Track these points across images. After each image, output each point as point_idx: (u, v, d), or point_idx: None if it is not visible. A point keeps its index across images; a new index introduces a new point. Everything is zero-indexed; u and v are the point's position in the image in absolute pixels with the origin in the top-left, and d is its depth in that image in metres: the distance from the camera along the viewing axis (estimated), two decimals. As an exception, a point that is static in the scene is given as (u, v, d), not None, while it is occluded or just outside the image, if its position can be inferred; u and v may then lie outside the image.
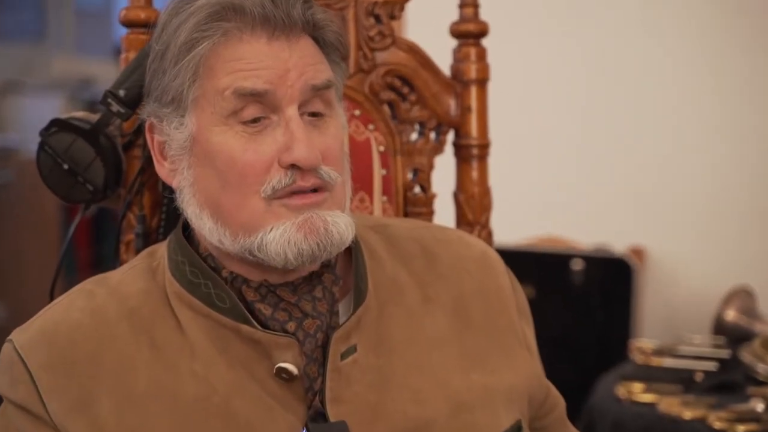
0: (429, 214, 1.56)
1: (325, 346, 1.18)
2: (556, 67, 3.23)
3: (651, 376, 2.45)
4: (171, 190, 1.25)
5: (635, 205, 3.19)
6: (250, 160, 1.14)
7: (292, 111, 1.15)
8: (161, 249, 1.26)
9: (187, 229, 1.24)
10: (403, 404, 1.19)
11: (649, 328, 3.09)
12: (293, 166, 1.14)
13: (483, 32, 1.56)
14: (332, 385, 1.17)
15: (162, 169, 1.23)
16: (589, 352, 3.01)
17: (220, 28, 1.15)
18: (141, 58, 1.34)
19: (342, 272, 1.23)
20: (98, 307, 1.19)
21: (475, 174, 1.56)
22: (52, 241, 4.67)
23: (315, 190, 1.16)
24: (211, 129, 1.16)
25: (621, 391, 2.38)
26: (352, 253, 1.25)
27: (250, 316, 1.17)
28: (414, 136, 1.56)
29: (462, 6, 1.56)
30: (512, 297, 1.33)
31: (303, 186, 1.15)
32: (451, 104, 1.55)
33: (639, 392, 2.37)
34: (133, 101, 1.34)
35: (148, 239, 1.41)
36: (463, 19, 1.56)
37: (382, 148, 1.53)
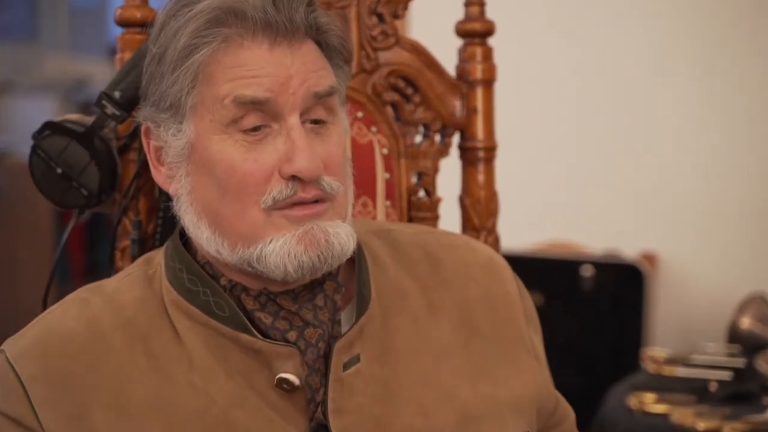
0: (434, 219, 1.56)
1: (327, 356, 1.17)
2: (564, 67, 3.23)
3: (663, 385, 2.45)
4: (168, 196, 1.25)
5: (647, 208, 3.19)
6: (250, 169, 1.14)
7: (293, 119, 1.15)
8: (158, 256, 1.26)
9: (184, 236, 1.24)
10: (409, 416, 1.19)
11: (662, 336, 3.09)
12: (294, 177, 1.14)
13: (489, 31, 1.56)
14: (335, 396, 1.17)
15: (158, 175, 1.23)
16: (600, 361, 3.01)
17: (220, 34, 1.14)
18: (137, 58, 1.34)
19: (344, 279, 1.23)
20: (93, 317, 1.19)
21: (481, 177, 1.56)
22: (45, 248, 4.68)
23: (316, 201, 1.16)
24: (210, 137, 1.16)
25: (632, 401, 2.38)
26: (354, 259, 1.25)
27: (250, 325, 1.17)
28: (418, 138, 1.56)
29: (467, 4, 1.56)
30: (520, 304, 1.33)
31: (304, 197, 1.15)
32: (457, 105, 1.56)
33: (651, 403, 2.37)
34: (129, 103, 1.34)
35: (144, 246, 1.41)
36: (468, 17, 1.56)
37: (385, 151, 1.53)
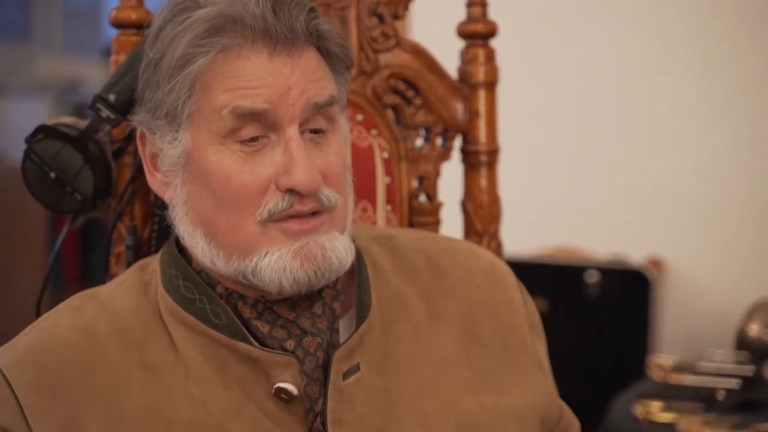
0: (435, 224, 1.56)
1: (326, 365, 1.17)
2: (568, 69, 3.23)
3: (670, 394, 2.45)
4: (163, 204, 1.25)
5: (653, 213, 3.19)
6: (247, 181, 1.14)
7: (292, 130, 1.15)
8: (153, 262, 1.26)
9: (180, 242, 1.24)
10: (410, 427, 1.19)
11: (668, 343, 3.09)
12: (291, 190, 1.14)
13: (492, 32, 1.56)
14: (334, 406, 1.17)
15: (154, 181, 1.23)
16: (605, 369, 3.01)
17: (218, 43, 1.14)
18: (132, 61, 1.34)
19: (343, 287, 1.23)
20: (87, 325, 1.19)
21: (483, 181, 1.56)
22: (38, 253, 4.67)
23: (313, 213, 1.16)
24: (206, 147, 1.16)
25: (639, 410, 2.38)
26: (354, 266, 1.24)
27: (247, 334, 1.17)
28: (419, 142, 1.56)
29: (469, 5, 1.56)
30: (523, 311, 1.33)
31: (301, 210, 1.15)
32: (459, 108, 1.56)
33: (658, 411, 2.37)
34: (124, 106, 1.34)
35: (139, 251, 1.41)
36: (470, 18, 1.56)
37: (385, 155, 1.53)
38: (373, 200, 1.51)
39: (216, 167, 1.15)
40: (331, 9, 1.52)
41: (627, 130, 3.21)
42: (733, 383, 2.47)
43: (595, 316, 3.02)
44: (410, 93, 1.55)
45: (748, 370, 2.54)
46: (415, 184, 1.56)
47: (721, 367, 2.57)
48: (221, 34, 1.14)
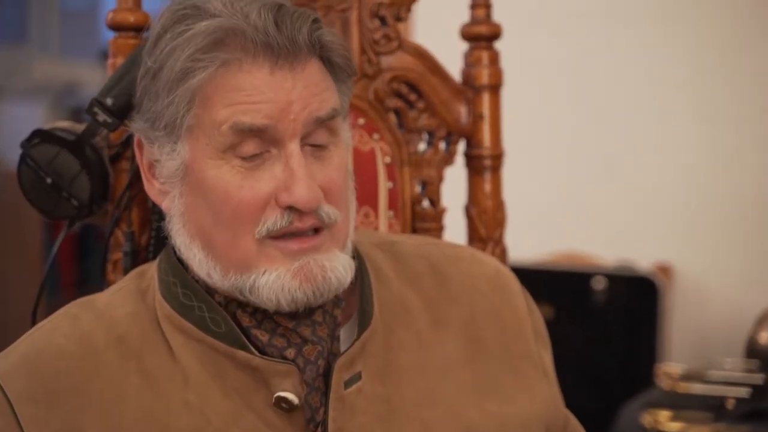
0: (438, 230, 1.56)
1: (327, 374, 1.18)
2: (573, 72, 3.23)
3: (679, 403, 2.45)
4: (161, 214, 1.25)
5: (661, 218, 3.19)
6: (246, 197, 1.14)
7: (293, 146, 1.15)
8: (151, 269, 1.26)
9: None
10: (412, 436, 1.19)
11: (677, 351, 3.08)
12: (291, 207, 1.14)
13: (496, 35, 1.56)
14: (335, 415, 1.17)
15: (151, 189, 1.23)
16: (612, 377, 3.01)
17: (218, 58, 1.13)
18: (130, 64, 1.34)
19: (345, 294, 1.22)
20: (84, 333, 1.19)
21: (487, 186, 1.56)
22: (34, 260, 4.67)
23: (314, 229, 1.16)
24: (206, 161, 1.16)
25: (646, 419, 2.37)
26: (356, 273, 1.24)
27: (247, 342, 1.17)
28: (422, 146, 1.56)
29: (473, 7, 1.56)
30: (528, 319, 1.33)
31: (300, 228, 1.15)
32: (462, 112, 1.56)
33: (666, 421, 2.36)
34: (122, 110, 1.34)
35: (136, 258, 1.41)
36: (474, 20, 1.56)
37: (388, 159, 1.53)
38: (375, 206, 1.51)
39: (215, 182, 1.15)
40: (332, 11, 1.52)
41: (635, 135, 3.21)
42: (743, 392, 2.46)
43: (602, 323, 3.02)
44: (413, 96, 1.55)
45: (759, 378, 2.53)
46: (417, 189, 1.56)
47: (731, 375, 2.57)
48: (222, 48, 1.14)
